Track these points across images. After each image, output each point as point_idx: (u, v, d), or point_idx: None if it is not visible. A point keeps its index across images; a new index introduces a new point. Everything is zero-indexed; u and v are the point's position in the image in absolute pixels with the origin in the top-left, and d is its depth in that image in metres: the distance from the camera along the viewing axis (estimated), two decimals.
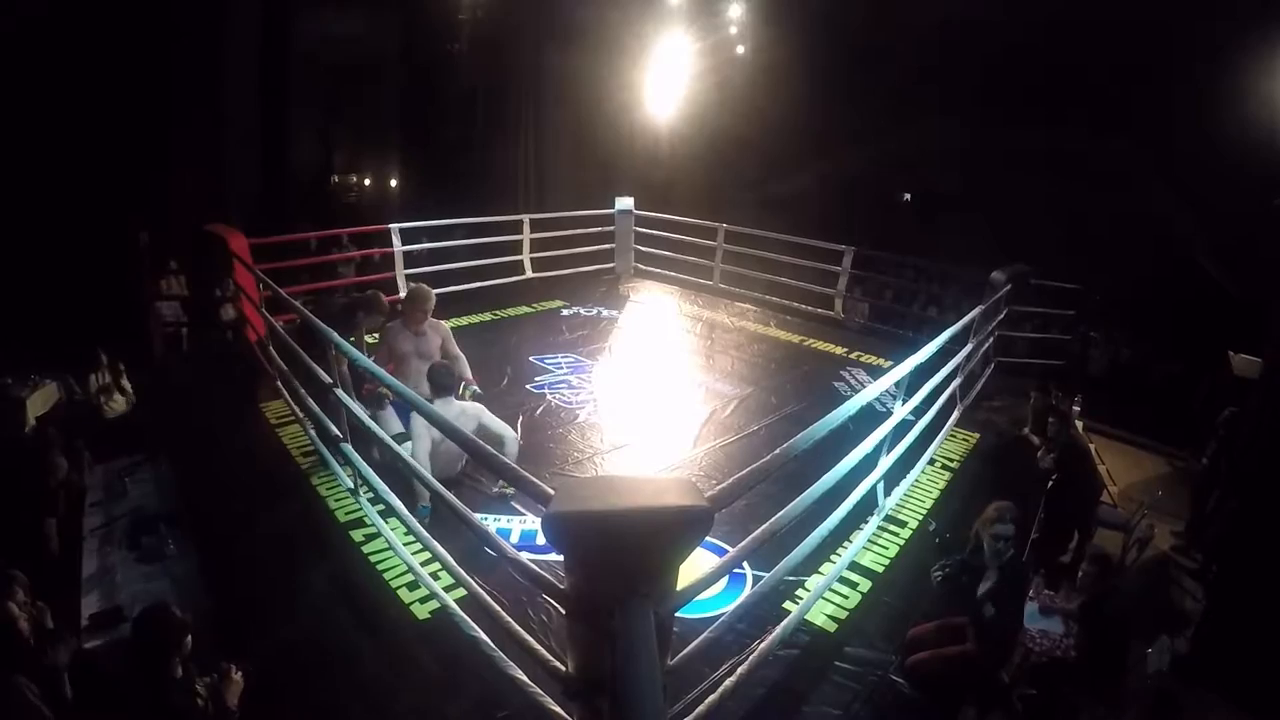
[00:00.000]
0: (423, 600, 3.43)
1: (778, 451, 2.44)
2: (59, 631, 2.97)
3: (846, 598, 3.62)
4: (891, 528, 4.20)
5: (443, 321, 4.99)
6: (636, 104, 10.03)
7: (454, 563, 2.99)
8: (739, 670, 2.61)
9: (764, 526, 2.52)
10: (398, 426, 4.30)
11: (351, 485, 4.06)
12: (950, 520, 4.29)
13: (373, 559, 3.75)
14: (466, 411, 4.13)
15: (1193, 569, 5.71)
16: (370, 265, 8.30)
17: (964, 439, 5.43)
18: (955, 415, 5.33)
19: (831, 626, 3.44)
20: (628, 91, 9.99)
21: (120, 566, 3.75)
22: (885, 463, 3.81)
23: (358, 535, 3.93)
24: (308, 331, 4.21)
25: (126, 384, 6.07)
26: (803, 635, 3.30)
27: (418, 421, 3.92)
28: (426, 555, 3.34)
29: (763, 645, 2.77)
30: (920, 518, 4.38)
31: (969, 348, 5.32)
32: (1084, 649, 3.70)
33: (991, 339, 6.26)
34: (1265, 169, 6.95)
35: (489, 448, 2.56)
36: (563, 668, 2.16)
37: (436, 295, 7.74)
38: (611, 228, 9.08)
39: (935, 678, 3.09)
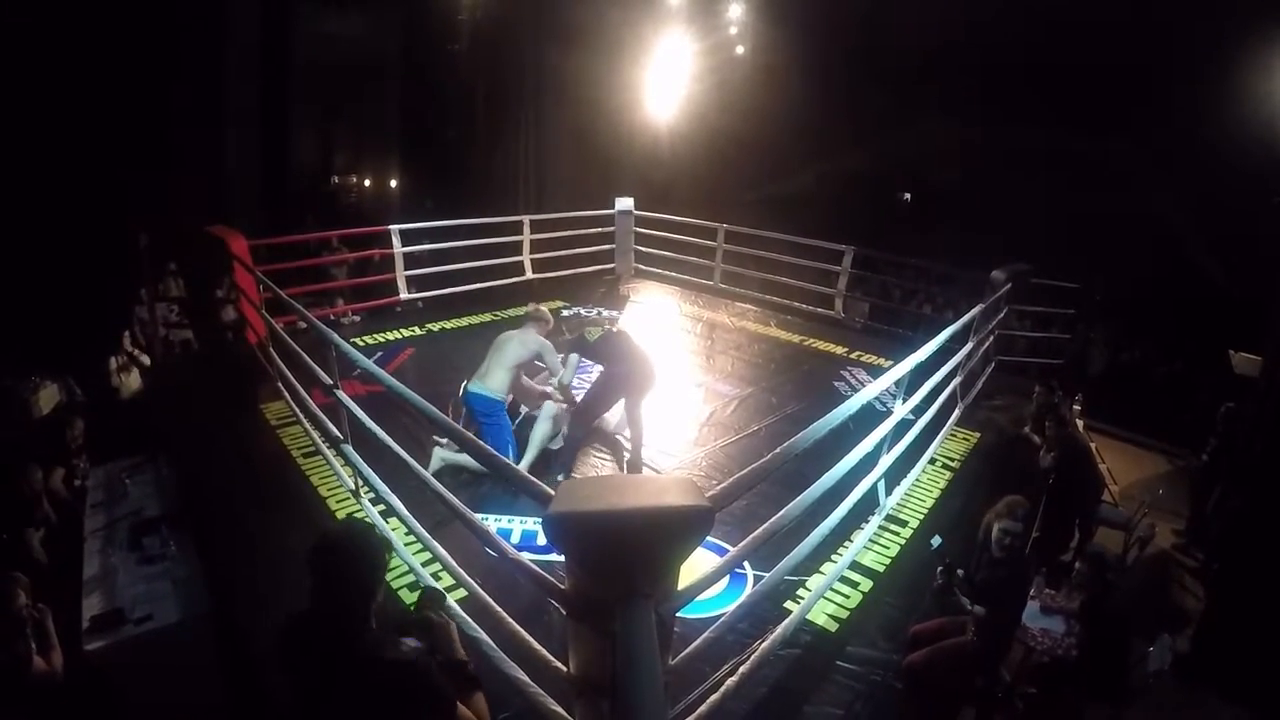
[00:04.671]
0: None
1: (778, 451, 2.44)
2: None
3: (848, 597, 3.62)
4: (892, 527, 4.20)
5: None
6: (636, 104, 10.03)
7: (454, 563, 2.99)
8: (740, 670, 2.60)
9: (764, 526, 2.51)
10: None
11: (353, 486, 4.07)
12: (952, 525, 4.29)
13: None
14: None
15: (1193, 567, 5.72)
16: (370, 266, 8.31)
17: (964, 438, 5.43)
18: (956, 414, 5.33)
19: (833, 626, 3.44)
20: (628, 91, 9.99)
21: (121, 568, 3.74)
22: (885, 462, 3.80)
23: None
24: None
25: (144, 357, 6.15)
26: (804, 635, 3.30)
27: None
28: (427, 555, 3.35)
29: (764, 645, 2.77)
30: (920, 517, 4.38)
31: (969, 346, 5.32)
32: (1085, 648, 3.71)
33: (992, 338, 6.26)
34: (1264, 168, 6.97)
35: (488, 447, 2.57)
36: (564, 668, 2.17)
37: (437, 296, 7.87)
38: (611, 228, 9.08)
39: (931, 675, 3.08)
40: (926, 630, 3.28)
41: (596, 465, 4.84)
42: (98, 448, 5.09)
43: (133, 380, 6.09)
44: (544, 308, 4.99)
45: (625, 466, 4.72)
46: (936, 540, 3.98)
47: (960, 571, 3.30)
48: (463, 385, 4.66)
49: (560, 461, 4.63)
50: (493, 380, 4.46)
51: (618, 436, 5.04)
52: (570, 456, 4.63)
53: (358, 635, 1.76)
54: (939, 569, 3.31)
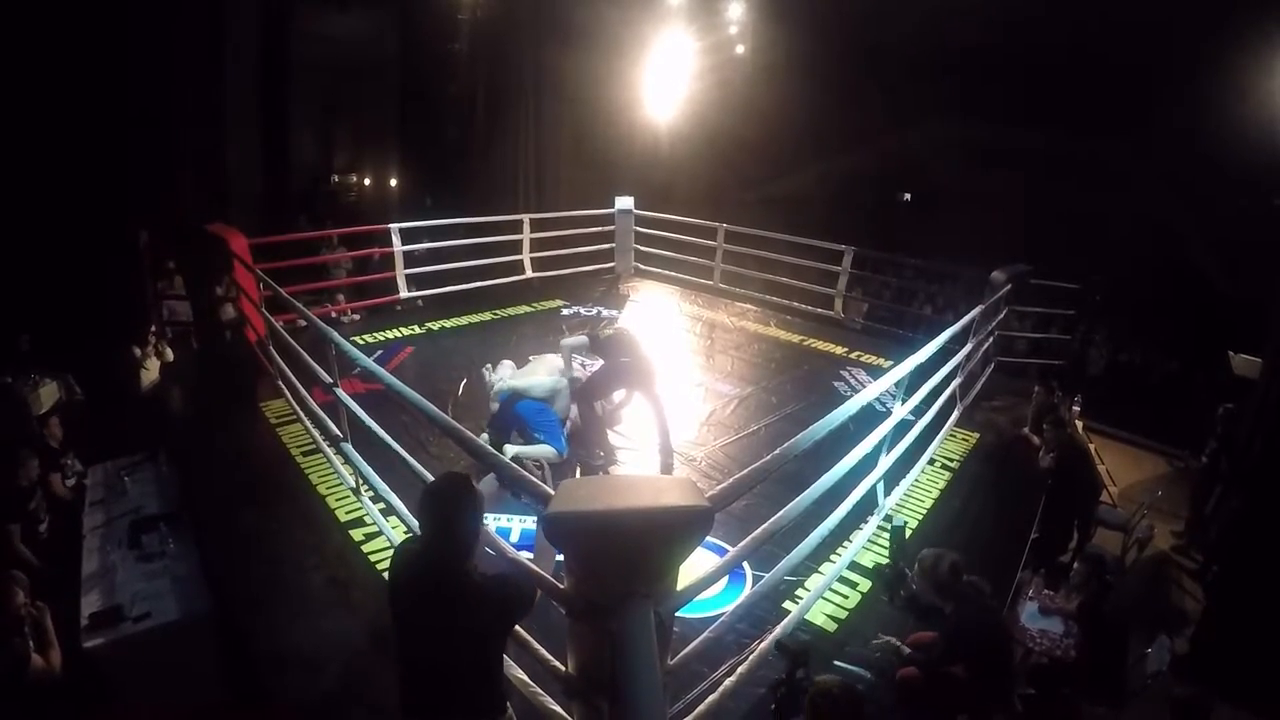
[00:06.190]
0: None
1: (778, 451, 2.45)
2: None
3: (846, 598, 3.62)
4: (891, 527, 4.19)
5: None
6: (636, 103, 10.02)
7: None
8: (739, 670, 2.61)
9: (764, 526, 2.52)
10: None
11: (353, 484, 4.07)
12: (949, 526, 4.29)
13: (372, 559, 3.75)
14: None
15: (1192, 569, 5.73)
16: (370, 265, 8.30)
17: (964, 439, 5.43)
18: (955, 415, 5.32)
19: (831, 626, 3.44)
20: (628, 91, 9.98)
21: (120, 565, 3.75)
22: (885, 462, 3.80)
23: (358, 535, 3.93)
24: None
25: (168, 351, 6.22)
26: (803, 635, 3.30)
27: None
28: None
29: (763, 645, 2.77)
30: (920, 517, 4.38)
31: (969, 347, 5.32)
32: (1083, 649, 3.71)
33: (991, 339, 6.26)
34: (1264, 169, 6.97)
35: (489, 448, 2.58)
36: (563, 668, 2.17)
37: (436, 295, 7.87)
38: (611, 227, 9.09)
39: (925, 695, 3.04)
40: (926, 640, 3.24)
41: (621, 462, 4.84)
42: (103, 444, 5.09)
43: (151, 373, 6.12)
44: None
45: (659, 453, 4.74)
46: (896, 519, 3.86)
47: (914, 585, 3.20)
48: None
49: (580, 442, 4.70)
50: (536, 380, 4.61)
51: (617, 431, 5.12)
52: (586, 437, 4.70)
53: (456, 570, 2.01)
54: (890, 570, 3.26)
